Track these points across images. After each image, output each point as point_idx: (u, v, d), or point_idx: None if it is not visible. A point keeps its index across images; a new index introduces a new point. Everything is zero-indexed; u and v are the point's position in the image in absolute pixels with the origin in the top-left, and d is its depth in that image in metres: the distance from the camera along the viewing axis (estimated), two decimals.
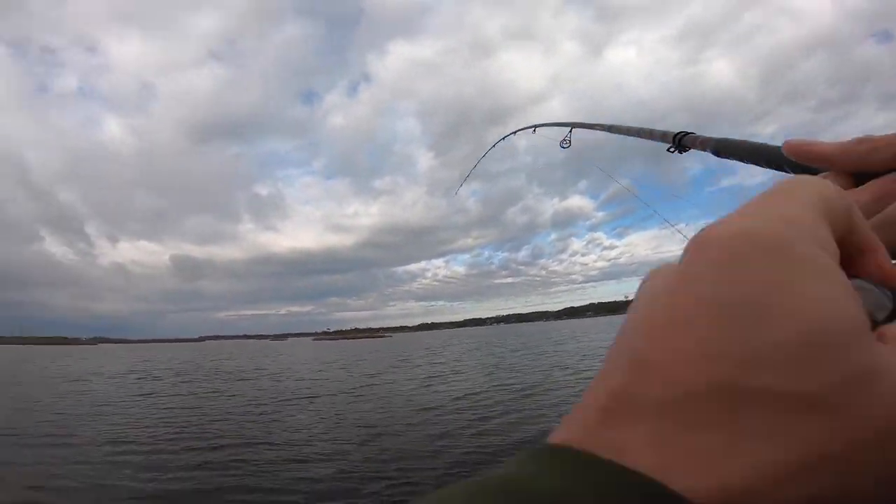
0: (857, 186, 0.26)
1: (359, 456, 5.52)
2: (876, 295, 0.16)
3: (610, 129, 0.91)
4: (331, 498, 4.21)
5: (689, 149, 0.58)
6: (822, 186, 0.17)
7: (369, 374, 16.73)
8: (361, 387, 12.87)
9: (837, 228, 0.16)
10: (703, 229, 0.16)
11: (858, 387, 0.12)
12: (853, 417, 0.12)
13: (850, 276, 0.16)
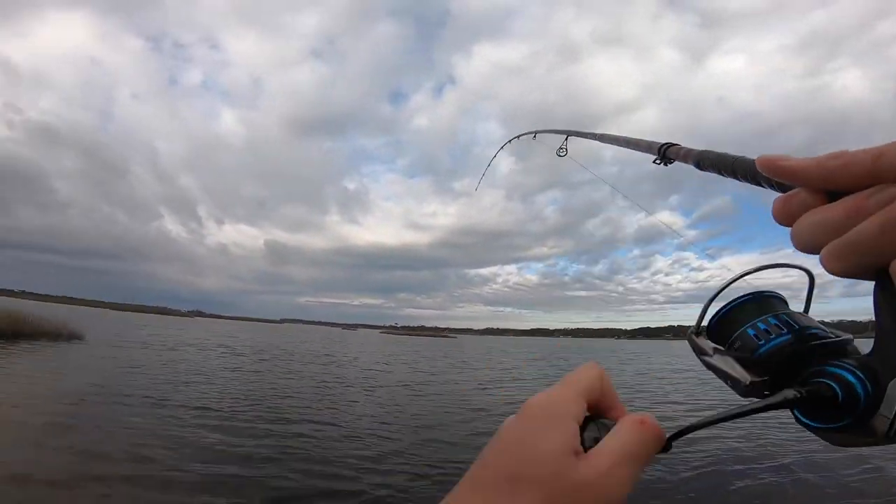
0: (830, 202, 0.25)
1: (407, 442, 5.97)
2: (606, 426, 0.27)
3: (601, 138, 0.89)
4: (378, 472, 4.70)
5: (674, 161, 0.58)
6: (588, 372, 0.30)
7: (430, 371, 17.19)
8: (421, 382, 13.34)
9: (592, 397, 0.29)
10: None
11: (563, 499, 0.23)
12: None
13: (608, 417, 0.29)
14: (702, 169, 0.47)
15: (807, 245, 0.25)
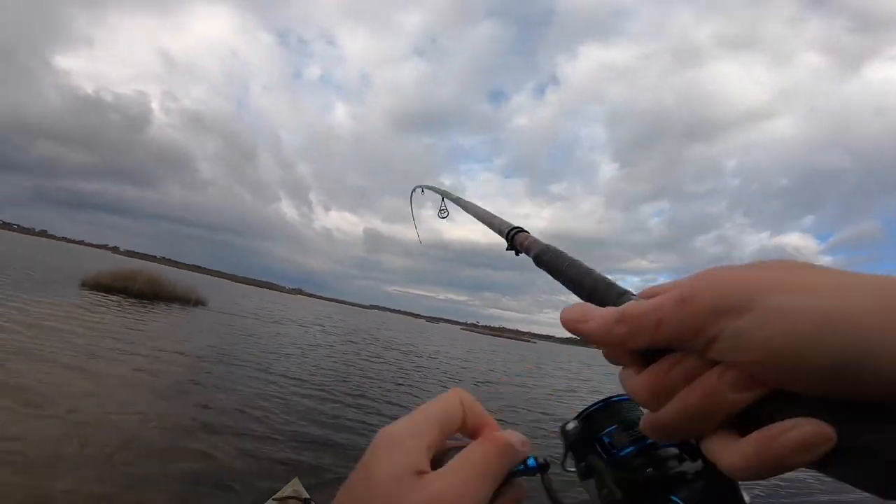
0: (648, 365, 0.24)
1: None
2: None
3: (467, 206, 0.83)
4: None
5: (520, 251, 0.54)
6: (447, 398, 0.28)
7: (505, 372, 17.31)
8: (494, 381, 13.60)
9: (452, 423, 0.27)
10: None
11: None
12: None
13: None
14: (537, 265, 0.44)
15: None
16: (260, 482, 3.51)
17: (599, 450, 0.39)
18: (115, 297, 14.63)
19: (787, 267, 0.21)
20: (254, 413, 5.37)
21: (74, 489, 3.01)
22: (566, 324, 0.26)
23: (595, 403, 0.42)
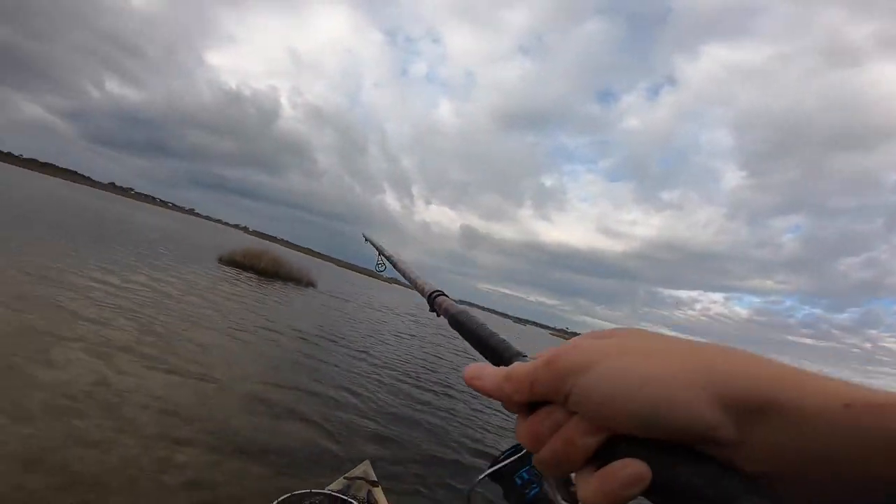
0: (532, 412, 0.29)
1: None
2: None
3: (396, 264, 0.85)
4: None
5: (438, 313, 0.56)
6: None
7: None
8: None
9: None
10: None
11: None
12: None
13: None
14: (451, 326, 0.48)
15: None
16: (340, 463, 3.82)
17: (513, 491, 0.46)
18: (244, 273, 16.79)
19: (631, 335, 0.27)
20: (348, 394, 5.91)
21: (191, 441, 3.55)
22: (467, 380, 0.31)
23: (509, 451, 0.49)
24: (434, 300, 0.57)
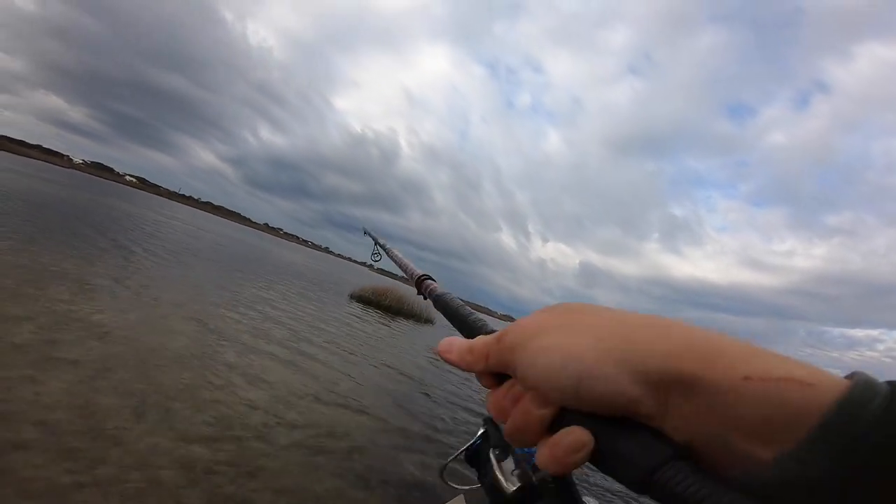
0: (501, 384, 0.30)
1: None
2: None
3: (388, 252, 0.87)
4: None
5: (426, 295, 0.57)
6: None
7: None
8: None
9: None
10: None
11: None
12: None
13: None
14: (435, 307, 0.49)
15: None
16: (434, 496, 3.96)
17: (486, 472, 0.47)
18: (371, 309, 18.26)
19: (568, 310, 0.29)
20: (453, 430, 6.06)
21: (322, 468, 4.04)
22: (440, 352, 0.33)
23: (479, 436, 0.49)
24: (421, 283, 0.60)
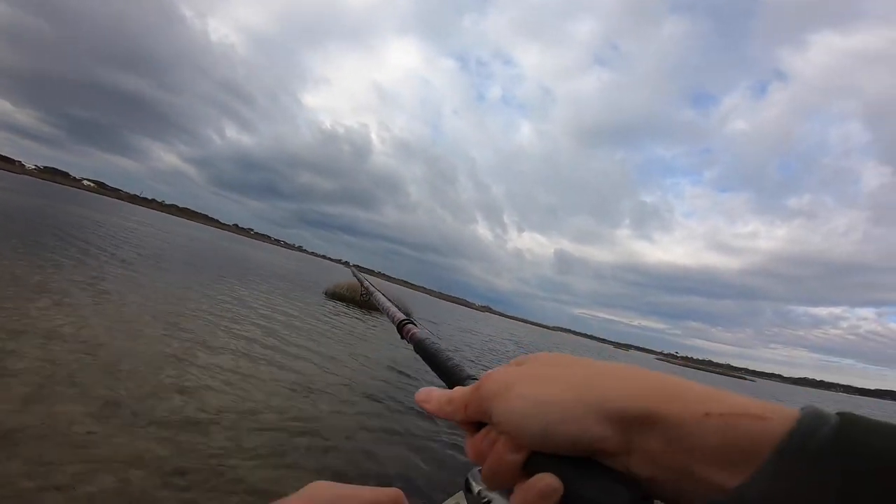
0: (478, 430, 0.32)
1: None
2: None
3: (372, 295, 0.91)
4: None
5: (406, 340, 0.58)
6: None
7: None
8: None
9: None
10: None
11: None
12: None
13: None
14: (416, 352, 0.50)
15: None
16: (432, 492, 3.90)
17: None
18: (345, 306, 18.04)
19: (538, 361, 0.32)
20: (434, 424, 6.04)
21: (293, 465, 3.94)
22: (418, 402, 0.35)
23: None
24: (403, 328, 0.60)
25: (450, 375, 0.40)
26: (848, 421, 0.32)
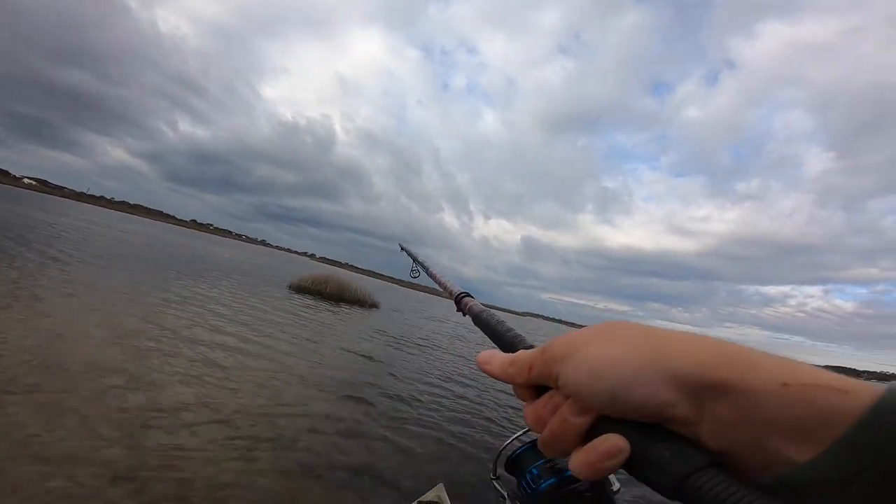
0: (538, 397, 0.31)
1: None
2: None
3: (427, 270, 0.91)
4: None
5: (464, 312, 0.60)
6: None
7: None
8: None
9: None
10: None
11: None
12: None
13: None
14: (475, 323, 0.53)
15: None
16: (406, 482, 3.81)
17: (525, 483, 0.52)
18: (311, 299, 17.68)
19: (607, 327, 0.31)
20: (413, 413, 6.03)
21: (257, 464, 3.83)
22: (479, 364, 0.35)
23: (525, 445, 0.55)
24: (460, 301, 0.62)
25: (509, 345, 0.41)
26: None
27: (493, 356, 0.34)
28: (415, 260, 1.15)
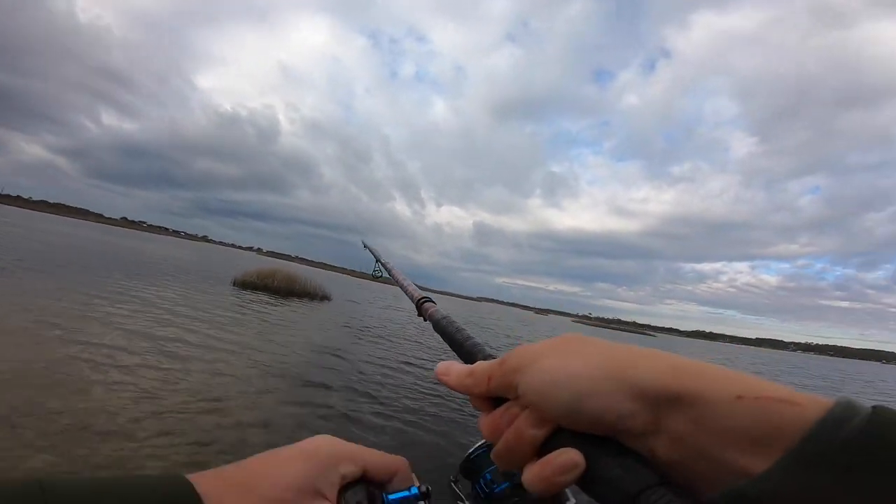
0: (495, 409, 0.31)
1: None
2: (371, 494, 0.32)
3: (390, 272, 0.89)
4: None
5: (425, 318, 0.59)
6: (325, 445, 0.32)
7: None
8: None
9: (346, 471, 0.32)
10: None
11: None
12: None
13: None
14: (435, 330, 0.52)
15: None
16: None
17: (479, 487, 0.51)
18: (258, 294, 16.90)
19: (565, 340, 0.31)
20: (369, 399, 5.87)
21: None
22: (437, 376, 0.35)
23: (480, 448, 0.54)
24: (421, 306, 0.61)
25: (469, 354, 0.40)
26: (880, 415, 0.31)
27: (451, 367, 0.34)
28: (378, 259, 1.13)
